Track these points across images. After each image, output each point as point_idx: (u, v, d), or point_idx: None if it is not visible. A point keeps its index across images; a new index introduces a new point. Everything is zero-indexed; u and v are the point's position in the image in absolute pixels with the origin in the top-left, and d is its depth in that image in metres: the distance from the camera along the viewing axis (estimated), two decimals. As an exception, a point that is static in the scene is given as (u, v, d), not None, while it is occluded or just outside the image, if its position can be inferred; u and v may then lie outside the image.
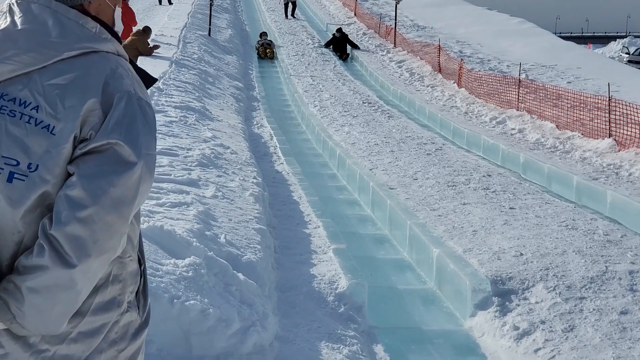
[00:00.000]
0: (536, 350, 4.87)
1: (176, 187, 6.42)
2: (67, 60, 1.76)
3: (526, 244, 6.51)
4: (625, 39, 57.32)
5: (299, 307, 5.31)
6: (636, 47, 47.07)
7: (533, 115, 14.18)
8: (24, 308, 1.67)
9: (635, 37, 62.12)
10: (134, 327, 1.90)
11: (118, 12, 1.96)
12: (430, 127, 14.73)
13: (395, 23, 25.74)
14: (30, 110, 1.72)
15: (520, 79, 15.62)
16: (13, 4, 1.81)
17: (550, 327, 5.09)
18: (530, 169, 10.81)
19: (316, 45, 25.14)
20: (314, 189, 9.16)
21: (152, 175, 1.81)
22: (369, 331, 5.27)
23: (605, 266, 5.98)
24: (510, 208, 7.87)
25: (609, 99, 12.11)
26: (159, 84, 12.22)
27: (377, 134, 12.67)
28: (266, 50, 22.71)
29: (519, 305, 5.43)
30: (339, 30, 24.82)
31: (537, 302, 5.43)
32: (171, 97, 11.45)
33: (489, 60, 21.66)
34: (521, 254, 6.23)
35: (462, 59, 19.51)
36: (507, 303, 5.47)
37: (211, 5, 23.29)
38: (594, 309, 5.28)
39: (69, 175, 1.72)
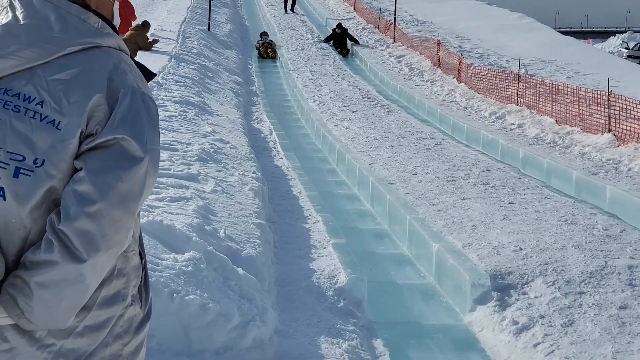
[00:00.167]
0: (535, 345, 4.87)
1: (176, 182, 6.42)
2: (69, 56, 1.76)
3: (525, 238, 6.52)
4: (624, 34, 57.24)
5: (299, 301, 5.31)
6: (635, 42, 47.02)
7: (532, 110, 14.17)
8: (33, 303, 1.67)
9: (635, 32, 62.08)
10: (137, 321, 1.91)
11: (116, 5, 1.97)
12: (429, 122, 14.72)
13: (395, 18, 25.72)
14: (35, 105, 1.72)
15: (520, 74, 15.61)
16: None
17: (550, 321, 5.09)
18: (530, 164, 10.82)
19: (316, 40, 25.12)
20: (313, 183, 9.16)
21: (157, 170, 1.82)
22: (369, 326, 5.27)
23: (605, 261, 5.98)
24: (510, 203, 7.88)
25: (609, 94, 12.10)
26: (158, 78, 12.21)
27: (376, 129, 12.67)
28: (267, 50, 22.30)
29: (518, 300, 5.43)
30: (339, 25, 24.73)
31: (536, 297, 5.43)
32: (170, 92, 11.44)
33: (488, 55, 21.65)
34: (520, 249, 6.24)
35: (461, 54, 19.50)
36: (506, 298, 5.48)
37: (210, -1, 23.28)
38: (593, 304, 5.29)
39: (75, 170, 1.72)
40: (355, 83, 18.62)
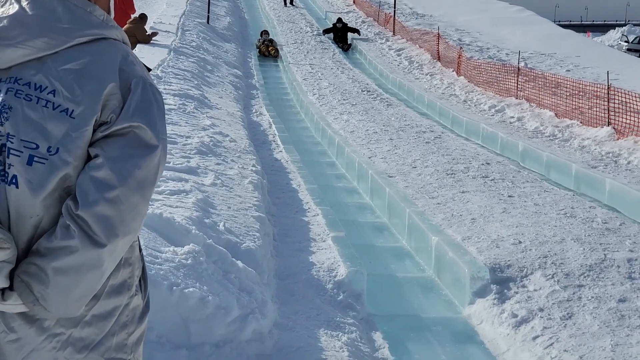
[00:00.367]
0: (534, 338, 4.88)
1: (175, 175, 6.42)
2: (77, 47, 1.79)
3: (525, 231, 6.52)
4: (624, 28, 57.15)
5: (298, 294, 5.32)
6: (635, 36, 46.94)
7: (532, 104, 14.17)
8: (49, 289, 1.68)
9: (635, 25, 62.05)
10: (139, 311, 1.94)
11: (112, 0, 2.00)
12: (429, 116, 14.71)
13: (395, 11, 25.68)
14: (47, 94, 1.74)
15: (519, 67, 15.60)
16: None
17: (549, 314, 5.10)
18: (529, 157, 10.81)
19: (315, 33, 25.07)
20: (312, 177, 9.16)
21: (166, 159, 1.86)
22: (368, 319, 5.28)
23: (604, 254, 5.99)
24: (509, 196, 7.88)
25: (608, 87, 12.09)
26: (157, 71, 12.20)
27: (376, 122, 12.66)
28: (268, 48, 21.70)
29: (517, 292, 5.44)
30: (339, 20, 24.65)
31: (535, 290, 5.44)
32: (170, 85, 11.43)
33: (488, 49, 21.63)
34: (520, 242, 6.24)
35: (461, 47, 19.48)
36: (505, 291, 5.48)
37: (210, -8, 23.21)
38: (592, 297, 5.29)
39: (89, 157, 1.74)
40: (354, 76, 18.60)
